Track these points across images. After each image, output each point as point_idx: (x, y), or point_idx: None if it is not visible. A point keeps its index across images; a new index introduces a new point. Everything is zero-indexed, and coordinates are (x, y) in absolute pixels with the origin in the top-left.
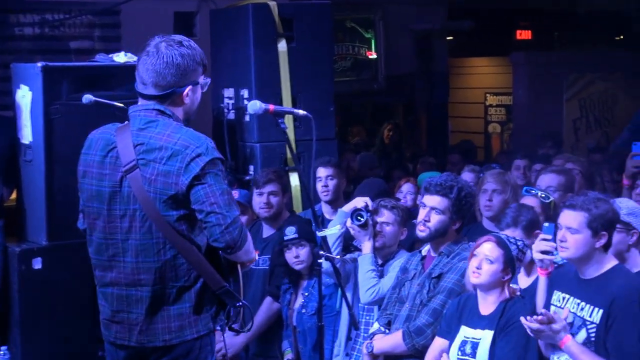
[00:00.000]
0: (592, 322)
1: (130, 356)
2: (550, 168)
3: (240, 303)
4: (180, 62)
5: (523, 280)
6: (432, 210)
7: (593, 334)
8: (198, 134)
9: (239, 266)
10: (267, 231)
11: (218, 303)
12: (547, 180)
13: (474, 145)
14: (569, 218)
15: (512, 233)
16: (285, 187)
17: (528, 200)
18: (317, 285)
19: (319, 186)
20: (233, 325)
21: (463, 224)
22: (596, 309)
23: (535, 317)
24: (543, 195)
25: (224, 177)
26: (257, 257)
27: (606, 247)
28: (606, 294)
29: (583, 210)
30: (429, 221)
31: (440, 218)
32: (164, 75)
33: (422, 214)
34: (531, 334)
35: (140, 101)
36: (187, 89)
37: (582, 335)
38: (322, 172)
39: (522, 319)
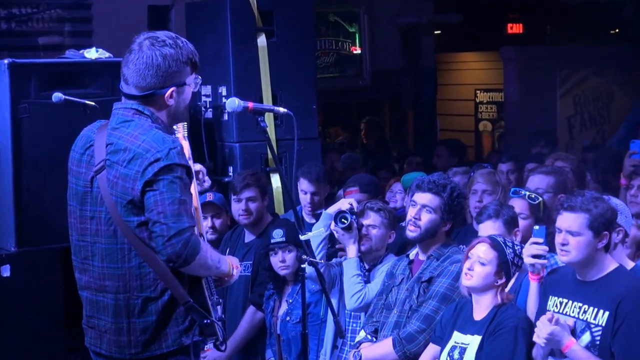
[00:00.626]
0: (597, 325)
1: None
2: (540, 169)
3: (208, 320)
4: (161, 63)
5: None
6: (423, 208)
7: (598, 337)
8: (165, 137)
9: (203, 282)
10: (248, 236)
11: (192, 318)
12: (537, 181)
13: (463, 144)
14: (569, 220)
15: (493, 225)
16: (265, 190)
17: (516, 203)
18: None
19: (302, 199)
20: (210, 344)
21: (453, 227)
22: (601, 311)
23: (543, 318)
24: (532, 196)
25: (182, 185)
26: (234, 272)
27: (607, 247)
28: (612, 296)
29: (583, 211)
30: (419, 219)
31: (432, 217)
32: (144, 76)
33: (412, 212)
34: (540, 340)
35: (123, 99)
36: (170, 91)
37: (586, 338)
38: (305, 185)
39: (538, 323)
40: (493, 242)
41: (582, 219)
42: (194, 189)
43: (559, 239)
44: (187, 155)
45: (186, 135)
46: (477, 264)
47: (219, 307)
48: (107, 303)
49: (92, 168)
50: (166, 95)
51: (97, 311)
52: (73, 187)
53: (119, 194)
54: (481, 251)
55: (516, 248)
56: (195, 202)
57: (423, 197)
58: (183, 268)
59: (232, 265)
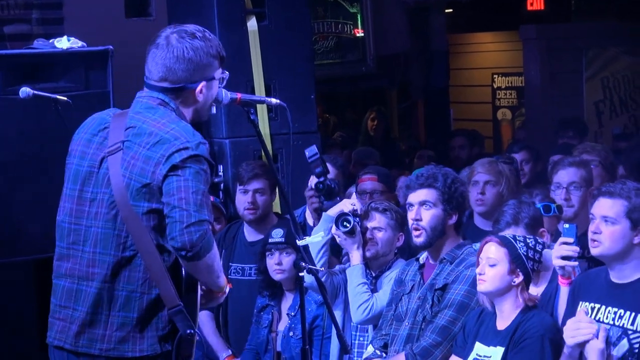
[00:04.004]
0: (635, 331)
1: None
2: (568, 160)
3: (192, 331)
4: (193, 57)
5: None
6: (421, 206)
7: (637, 345)
8: (196, 132)
9: (199, 288)
10: (252, 235)
11: (173, 326)
12: (569, 175)
13: (480, 134)
14: (605, 206)
15: (514, 231)
16: (274, 185)
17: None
18: (305, 304)
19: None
20: None
21: (461, 219)
22: (639, 315)
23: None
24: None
25: (206, 179)
26: (226, 290)
27: None
28: None
29: (622, 198)
30: (420, 220)
31: (433, 212)
32: (175, 71)
33: (411, 214)
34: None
35: (147, 90)
36: (201, 85)
37: (623, 346)
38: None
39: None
40: (501, 240)
41: (619, 206)
42: None
43: (592, 227)
44: None
45: None
46: (488, 266)
47: (202, 315)
48: (89, 292)
49: (104, 149)
50: (197, 90)
51: (74, 301)
52: (74, 168)
53: (134, 175)
54: (490, 252)
55: (529, 241)
56: None
57: (417, 195)
58: (192, 262)
59: (227, 282)
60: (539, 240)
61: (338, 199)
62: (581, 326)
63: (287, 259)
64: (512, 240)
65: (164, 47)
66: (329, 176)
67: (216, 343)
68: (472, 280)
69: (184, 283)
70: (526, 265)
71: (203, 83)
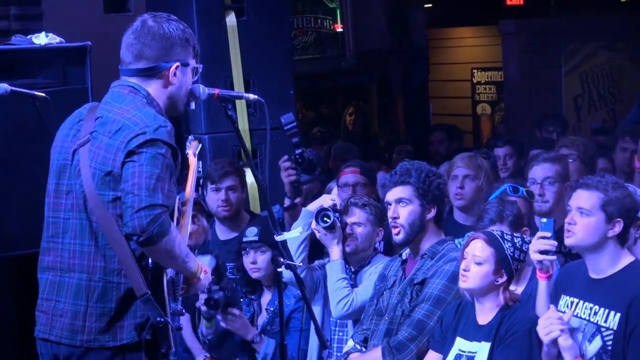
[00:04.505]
0: (607, 328)
1: (48, 354)
2: (542, 156)
3: (162, 319)
4: (166, 33)
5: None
6: (397, 204)
7: (610, 342)
8: (158, 116)
9: (165, 280)
10: (224, 233)
11: (147, 314)
12: (543, 170)
13: (459, 129)
14: (582, 198)
15: (500, 229)
16: (244, 182)
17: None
18: (284, 299)
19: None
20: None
21: (440, 213)
22: (612, 312)
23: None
24: (531, 193)
25: (165, 163)
26: (201, 276)
27: (622, 239)
28: (624, 295)
29: (599, 190)
30: (398, 217)
31: (410, 209)
32: (150, 46)
33: (389, 213)
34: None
35: (122, 78)
36: (174, 66)
37: (596, 344)
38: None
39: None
40: (489, 238)
41: (595, 199)
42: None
43: (567, 218)
44: (192, 169)
45: (197, 153)
46: (473, 263)
47: (180, 318)
48: (71, 283)
49: (77, 141)
50: (171, 69)
51: (57, 293)
52: (53, 162)
53: (97, 165)
54: (476, 249)
55: (516, 240)
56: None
57: (392, 194)
58: (147, 248)
59: (201, 268)
60: (526, 240)
61: (317, 172)
62: (552, 322)
63: (262, 257)
64: (499, 239)
65: (138, 28)
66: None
67: (194, 346)
68: (450, 275)
69: (150, 271)
70: (511, 266)
71: (177, 64)
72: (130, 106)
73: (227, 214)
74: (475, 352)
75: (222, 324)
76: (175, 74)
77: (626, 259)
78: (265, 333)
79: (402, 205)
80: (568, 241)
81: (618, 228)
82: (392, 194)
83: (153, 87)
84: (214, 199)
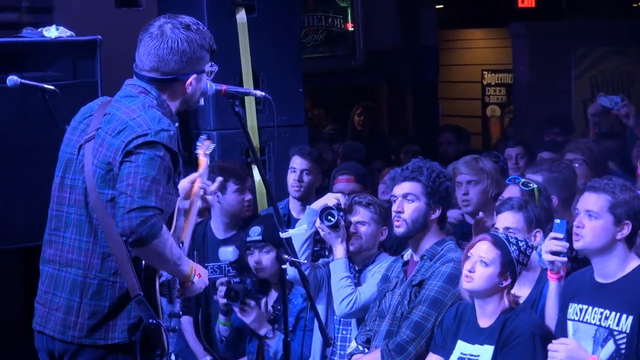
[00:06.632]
0: (620, 332)
1: (44, 349)
2: (536, 167)
3: (154, 321)
4: (186, 49)
5: (522, 291)
6: (404, 199)
7: (623, 345)
8: (163, 119)
9: (157, 280)
10: (222, 232)
11: (140, 315)
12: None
13: (467, 131)
14: (589, 201)
15: (513, 218)
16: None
17: (510, 190)
18: (292, 297)
19: (291, 178)
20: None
21: (444, 214)
22: (624, 315)
23: (555, 344)
24: (528, 184)
25: (162, 166)
26: (195, 279)
27: (630, 242)
28: (635, 297)
29: (606, 193)
30: (402, 212)
31: (415, 206)
32: (167, 62)
33: (394, 207)
34: None
35: (135, 78)
36: (191, 78)
37: (609, 348)
38: (297, 162)
39: (550, 346)
40: (495, 240)
41: (603, 201)
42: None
43: (575, 221)
44: (201, 168)
45: (208, 153)
46: (479, 264)
47: (174, 319)
48: (68, 278)
49: (84, 136)
50: (187, 82)
51: (54, 287)
52: (61, 155)
53: (99, 162)
54: (482, 250)
55: (521, 244)
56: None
57: (401, 188)
58: (137, 249)
59: (195, 271)
60: (529, 244)
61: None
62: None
63: (267, 257)
64: (505, 242)
65: (157, 37)
66: (304, 168)
67: (196, 349)
68: (447, 276)
69: (143, 272)
70: (516, 270)
71: (194, 76)
72: (137, 106)
73: (249, 213)
74: (478, 356)
75: (238, 315)
76: (191, 84)
77: (634, 262)
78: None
79: (408, 200)
80: (577, 244)
81: (627, 230)
82: (400, 188)
83: (167, 94)
84: (238, 199)
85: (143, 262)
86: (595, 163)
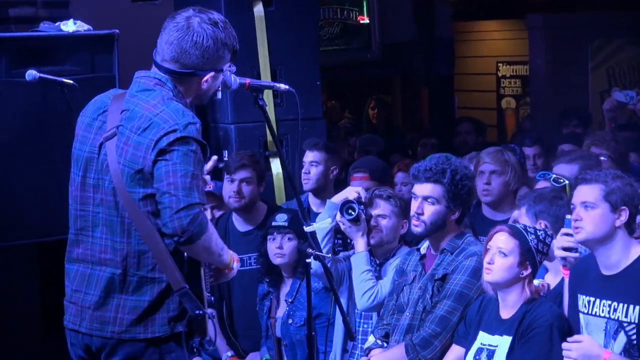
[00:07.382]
0: (630, 323)
1: (80, 345)
2: (563, 157)
3: (201, 311)
4: (210, 46)
5: (551, 280)
6: (424, 200)
7: (634, 336)
8: (186, 111)
9: (202, 270)
10: (243, 226)
11: (184, 307)
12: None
13: (483, 123)
14: (584, 193)
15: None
16: (262, 176)
17: (541, 186)
18: (302, 291)
19: (302, 172)
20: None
21: (464, 213)
22: (632, 306)
23: (568, 342)
24: (559, 180)
25: (196, 160)
26: (234, 266)
27: (629, 228)
28: None
29: (599, 182)
30: (422, 214)
31: (435, 209)
32: (189, 55)
33: (414, 206)
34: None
35: (153, 69)
36: (209, 76)
37: (621, 340)
38: (306, 156)
39: (564, 345)
40: (512, 230)
41: (597, 190)
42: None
43: (572, 216)
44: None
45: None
46: (498, 255)
47: (209, 308)
48: (102, 276)
49: (103, 134)
50: (204, 79)
51: (86, 285)
52: (76, 152)
53: (127, 162)
54: (500, 241)
55: (539, 233)
56: None
57: (422, 189)
58: (186, 246)
59: (234, 258)
60: (548, 233)
61: None
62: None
63: (289, 244)
64: (523, 231)
65: (183, 29)
66: (310, 160)
67: (219, 344)
68: (471, 271)
69: (186, 265)
70: (535, 258)
71: (211, 74)
72: (157, 100)
73: (237, 205)
74: (497, 346)
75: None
76: (207, 81)
77: (636, 250)
78: (285, 326)
79: (428, 203)
80: (578, 237)
81: (624, 216)
82: (422, 189)
83: (182, 87)
84: (227, 189)
85: (185, 253)
86: (620, 156)
